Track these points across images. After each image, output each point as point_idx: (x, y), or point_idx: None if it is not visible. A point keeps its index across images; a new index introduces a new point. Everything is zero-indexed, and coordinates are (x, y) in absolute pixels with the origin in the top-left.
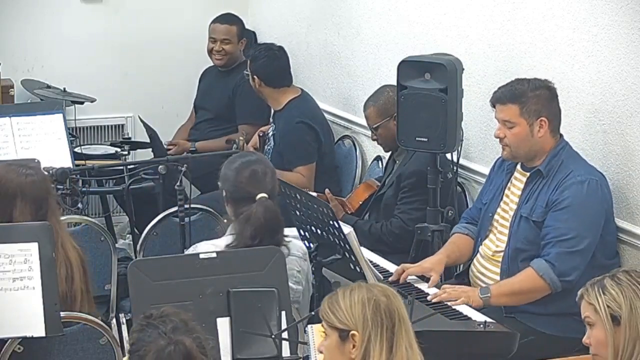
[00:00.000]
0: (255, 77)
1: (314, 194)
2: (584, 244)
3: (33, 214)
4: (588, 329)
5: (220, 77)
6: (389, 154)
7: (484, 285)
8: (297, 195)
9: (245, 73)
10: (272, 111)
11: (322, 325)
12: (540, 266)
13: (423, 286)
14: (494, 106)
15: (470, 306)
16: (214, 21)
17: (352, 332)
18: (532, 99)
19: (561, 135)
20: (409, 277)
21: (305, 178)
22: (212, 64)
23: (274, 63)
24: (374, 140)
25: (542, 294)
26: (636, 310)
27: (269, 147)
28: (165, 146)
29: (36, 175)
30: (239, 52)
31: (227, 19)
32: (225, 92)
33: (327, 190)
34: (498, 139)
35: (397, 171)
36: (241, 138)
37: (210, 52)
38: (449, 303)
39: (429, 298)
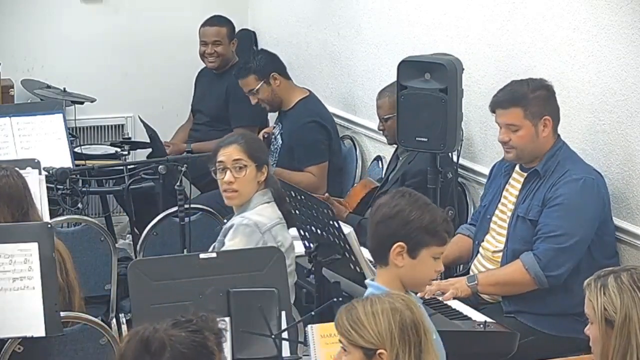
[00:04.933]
0: (272, 75)
1: None
2: (572, 241)
3: (13, 214)
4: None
5: (214, 79)
6: (392, 150)
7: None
8: (297, 195)
9: (252, 90)
10: (278, 111)
11: (341, 341)
12: (527, 260)
13: None
14: (493, 111)
15: (461, 300)
16: (203, 25)
17: (380, 351)
18: (534, 100)
19: (558, 136)
20: None
21: (316, 178)
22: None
23: (274, 56)
24: (379, 130)
25: (528, 288)
26: (630, 320)
27: (275, 147)
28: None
29: (10, 175)
30: (231, 52)
31: (216, 20)
32: (219, 95)
33: (326, 194)
34: (502, 143)
35: (401, 168)
36: None
37: (202, 55)
38: (440, 298)
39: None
